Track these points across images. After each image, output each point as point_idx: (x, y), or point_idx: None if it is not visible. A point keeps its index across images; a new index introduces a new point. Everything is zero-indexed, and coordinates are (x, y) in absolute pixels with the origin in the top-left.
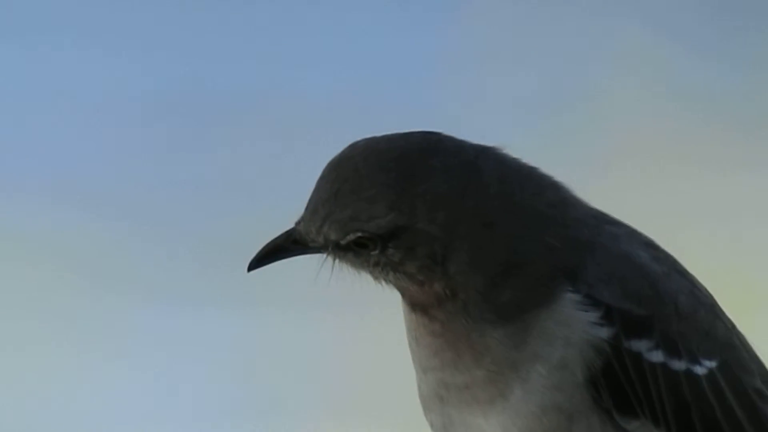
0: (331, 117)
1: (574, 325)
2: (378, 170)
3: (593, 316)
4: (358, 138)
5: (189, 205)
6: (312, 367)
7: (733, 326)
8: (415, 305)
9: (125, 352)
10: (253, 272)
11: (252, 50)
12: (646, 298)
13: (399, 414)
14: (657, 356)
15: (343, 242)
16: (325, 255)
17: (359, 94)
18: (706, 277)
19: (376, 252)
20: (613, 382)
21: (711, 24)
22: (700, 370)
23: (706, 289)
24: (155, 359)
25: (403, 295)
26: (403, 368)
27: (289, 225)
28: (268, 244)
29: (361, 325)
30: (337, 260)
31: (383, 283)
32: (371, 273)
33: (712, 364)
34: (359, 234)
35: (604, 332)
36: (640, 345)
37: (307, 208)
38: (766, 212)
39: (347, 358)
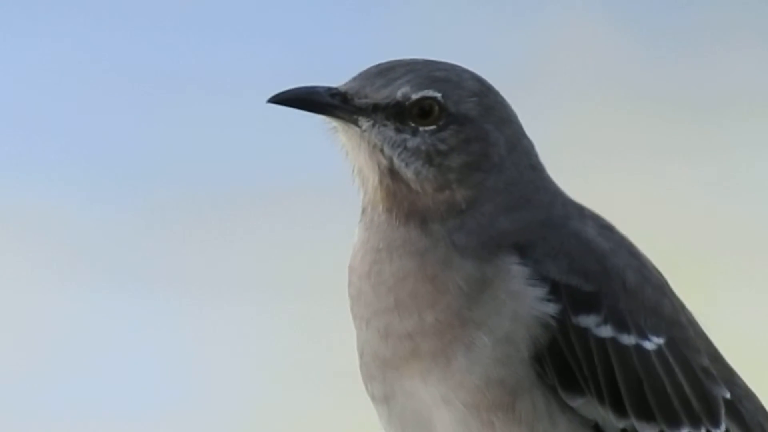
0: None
1: (522, 299)
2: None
3: (540, 291)
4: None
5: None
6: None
7: (682, 306)
8: (413, 213)
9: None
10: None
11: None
12: (593, 273)
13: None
14: (606, 331)
15: (409, 101)
16: (351, 123)
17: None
18: (656, 256)
19: (430, 129)
20: (559, 358)
21: (655, 11)
22: (649, 345)
23: (657, 270)
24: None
25: (403, 198)
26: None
27: None
28: (301, 88)
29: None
30: (365, 129)
31: (392, 176)
32: (396, 156)
33: (660, 340)
34: (438, 95)
35: (551, 308)
36: (588, 320)
37: (359, 75)
38: (706, 197)
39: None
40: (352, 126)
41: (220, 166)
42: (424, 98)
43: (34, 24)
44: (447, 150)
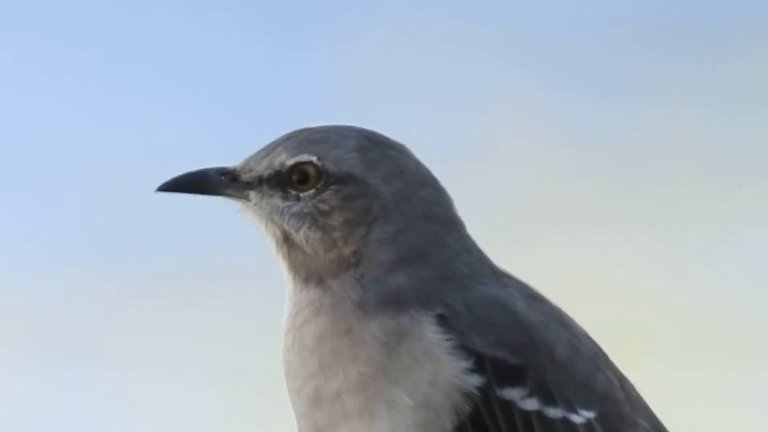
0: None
1: (443, 367)
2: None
3: (464, 364)
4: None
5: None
6: None
7: (622, 378)
8: (311, 275)
9: None
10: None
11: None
12: (520, 346)
13: None
14: (531, 404)
15: (285, 168)
16: (243, 198)
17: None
18: (596, 326)
19: (310, 193)
20: (482, 430)
21: (604, 68)
22: (577, 419)
23: (593, 342)
24: None
25: (300, 263)
26: None
27: None
28: (190, 172)
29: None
30: (255, 203)
31: (287, 242)
32: (285, 223)
33: (590, 414)
34: (313, 159)
35: (475, 380)
36: (513, 393)
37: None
38: (648, 268)
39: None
40: (245, 201)
41: (158, 239)
42: (298, 163)
43: None
44: (328, 210)
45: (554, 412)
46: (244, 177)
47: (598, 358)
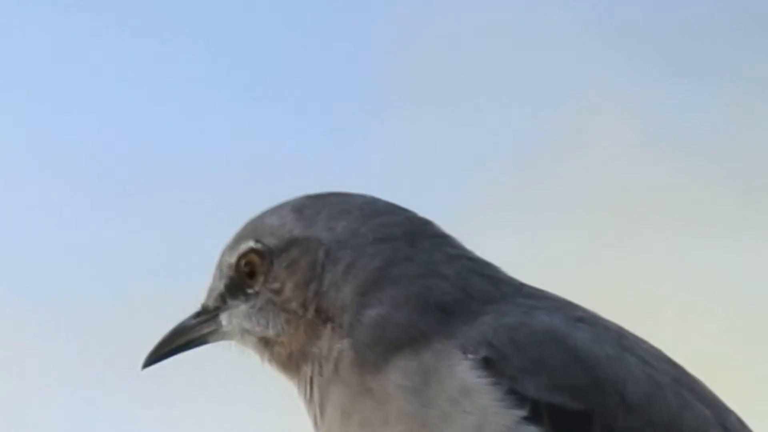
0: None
1: (489, 415)
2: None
3: (516, 412)
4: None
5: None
6: None
7: (717, 406)
8: (301, 360)
9: None
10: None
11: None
12: (582, 387)
13: None
14: None
15: (233, 269)
16: (218, 329)
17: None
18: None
19: (261, 280)
20: None
21: (699, 63)
22: None
23: (670, 364)
24: None
25: (287, 357)
26: None
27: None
28: (167, 333)
29: None
30: (226, 324)
31: (266, 345)
32: (256, 326)
33: None
34: (251, 244)
35: (531, 431)
36: None
37: None
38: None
39: None
40: (220, 330)
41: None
42: (240, 257)
43: None
44: (280, 286)
45: None
46: (211, 304)
47: (681, 387)
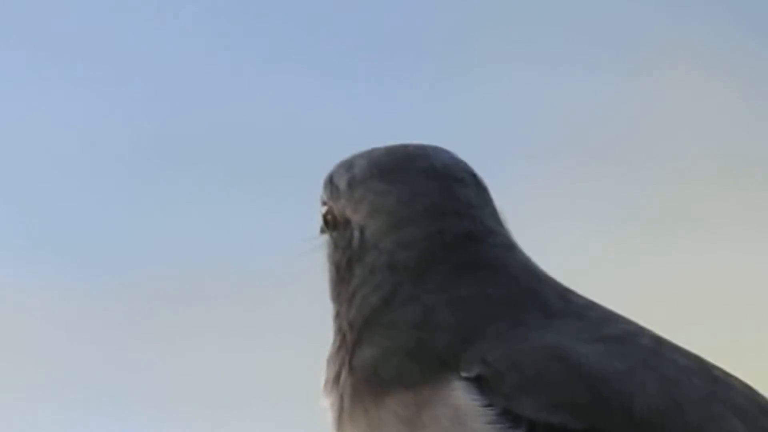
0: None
1: None
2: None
3: None
4: None
5: None
6: None
7: (755, 412)
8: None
9: None
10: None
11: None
12: (584, 405)
13: None
14: None
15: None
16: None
17: None
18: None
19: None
20: None
21: None
22: None
23: (707, 372)
24: None
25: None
26: None
27: None
28: None
29: None
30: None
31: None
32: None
33: None
34: (325, 199)
35: None
36: None
37: None
38: None
39: None
40: None
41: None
42: (322, 203)
43: None
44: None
45: None
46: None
47: (714, 402)
